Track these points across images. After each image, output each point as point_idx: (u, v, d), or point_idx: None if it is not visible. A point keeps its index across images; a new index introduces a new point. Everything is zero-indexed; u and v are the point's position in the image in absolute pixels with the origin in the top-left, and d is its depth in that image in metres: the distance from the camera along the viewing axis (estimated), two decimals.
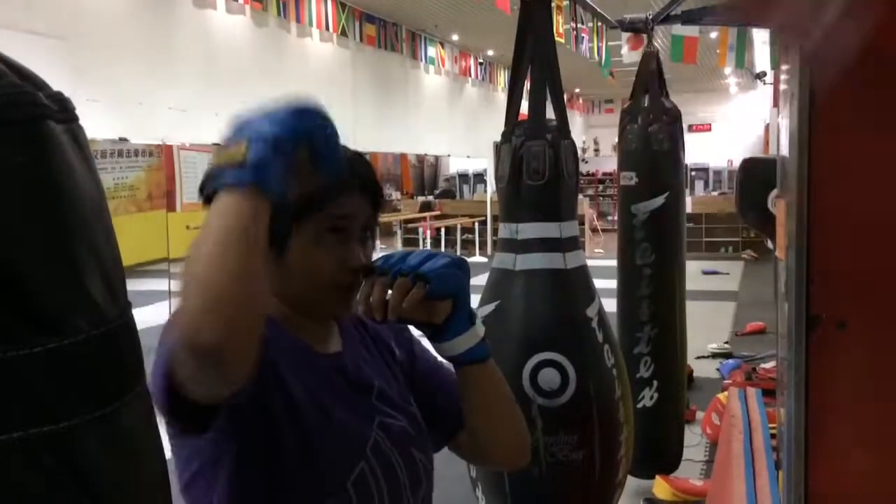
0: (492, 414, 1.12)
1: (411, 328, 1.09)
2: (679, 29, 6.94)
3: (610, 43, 9.60)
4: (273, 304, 1.00)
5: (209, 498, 0.96)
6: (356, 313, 1.08)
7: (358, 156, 1.05)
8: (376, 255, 1.06)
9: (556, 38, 2.14)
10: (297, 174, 0.86)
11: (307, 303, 1.02)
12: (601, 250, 13.05)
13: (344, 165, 0.91)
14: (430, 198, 17.67)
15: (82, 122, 0.54)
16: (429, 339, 1.06)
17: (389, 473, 1.02)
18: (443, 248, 12.50)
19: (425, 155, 18.46)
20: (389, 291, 0.98)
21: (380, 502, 1.00)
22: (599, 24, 8.89)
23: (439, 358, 1.15)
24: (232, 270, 0.75)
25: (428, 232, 12.52)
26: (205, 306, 0.71)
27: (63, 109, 0.48)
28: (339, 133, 0.89)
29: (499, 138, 2.18)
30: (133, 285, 0.52)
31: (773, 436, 2.33)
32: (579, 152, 2.39)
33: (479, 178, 18.23)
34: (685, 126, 3.78)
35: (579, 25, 9.00)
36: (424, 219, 13.64)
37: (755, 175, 3.91)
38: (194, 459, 0.97)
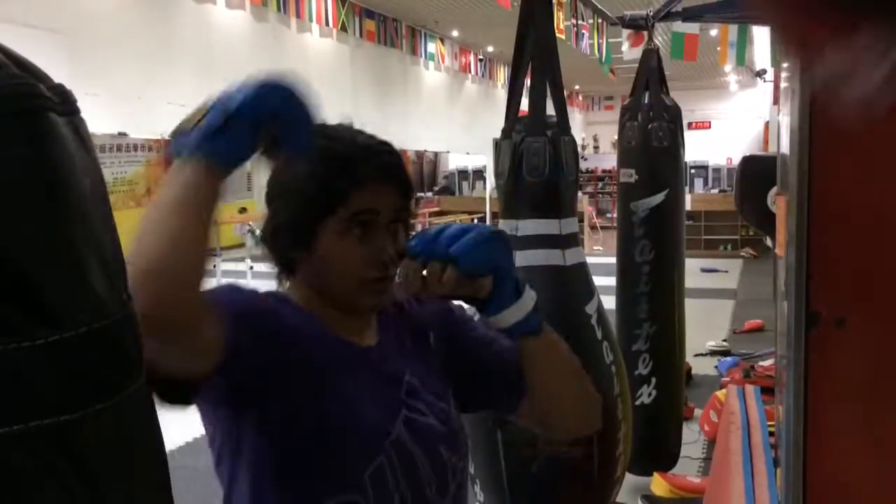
0: (551, 384, 1.11)
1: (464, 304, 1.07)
2: (679, 26, 6.94)
3: (610, 40, 9.60)
4: (308, 296, 1.01)
5: (234, 475, 0.97)
6: (398, 299, 1.08)
7: (386, 146, 1.04)
8: None
9: (557, 35, 2.14)
10: (265, 151, 0.85)
11: (337, 296, 1.01)
12: (600, 247, 13.05)
13: (311, 148, 0.89)
14: (426, 194, 17.64)
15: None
16: (479, 313, 1.05)
17: (410, 471, 1.00)
18: None
19: (424, 151, 18.45)
20: (425, 272, 0.97)
21: (399, 499, 0.99)
22: (600, 20, 8.89)
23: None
24: (163, 241, 0.75)
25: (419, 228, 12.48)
26: (136, 279, 0.69)
27: (64, 102, 0.48)
28: (314, 115, 0.87)
29: (498, 135, 2.18)
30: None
31: (771, 433, 2.33)
32: (579, 149, 2.39)
33: (479, 174, 18.22)
34: (685, 123, 3.78)
35: (580, 22, 8.99)
36: (419, 215, 13.64)
37: (755, 173, 3.91)
38: (217, 438, 0.98)
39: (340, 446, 0.96)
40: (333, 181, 0.97)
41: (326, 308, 1.01)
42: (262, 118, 0.83)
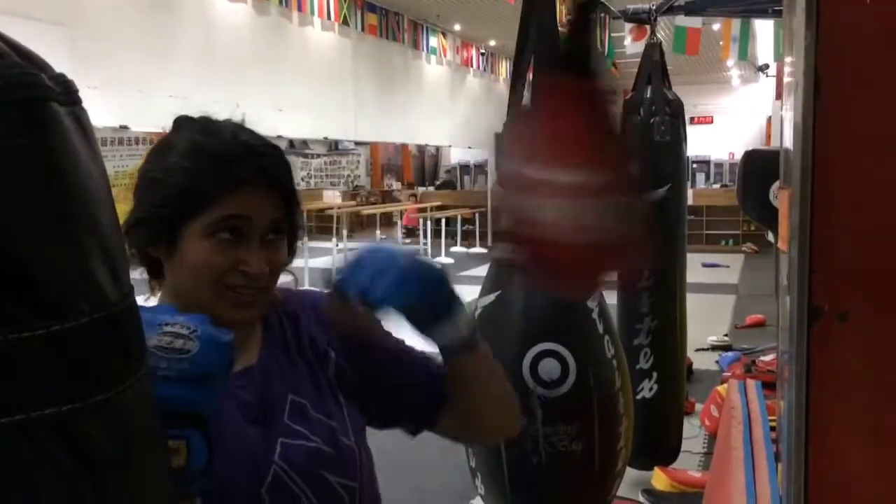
0: (482, 400, 1.07)
1: None
2: (682, 20, 6.92)
3: (613, 34, 9.57)
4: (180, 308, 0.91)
5: None
6: (290, 311, 1.04)
7: (273, 151, 0.97)
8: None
9: (560, 29, 2.13)
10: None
11: (202, 305, 0.92)
12: None
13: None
14: (428, 188, 17.63)
15: None
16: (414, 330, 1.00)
17: None
18: (443, 240, 12.50)
19: (426, 145, 18.43)
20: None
21: None
22: (602, 14, 8.86)
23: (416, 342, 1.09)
24: None
25: (400, 223, 12.40)
26: None
27: (66, 92, 0.48)
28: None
29: (500, 129, 2.17)
30: (133, 272, 0.52)
31: (772, 428, 2.33)
32: None
33: (481, 168, 18.21)
34: (687, 118, 3.77)
35: None
36: (406, 210, 13.56)
37: (757, 167, 3.91)
38: None
39: (219, 488, 0.86)
40: (203, 178, 0.91)
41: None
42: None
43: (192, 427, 0.75)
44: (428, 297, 0.93)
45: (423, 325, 0.95)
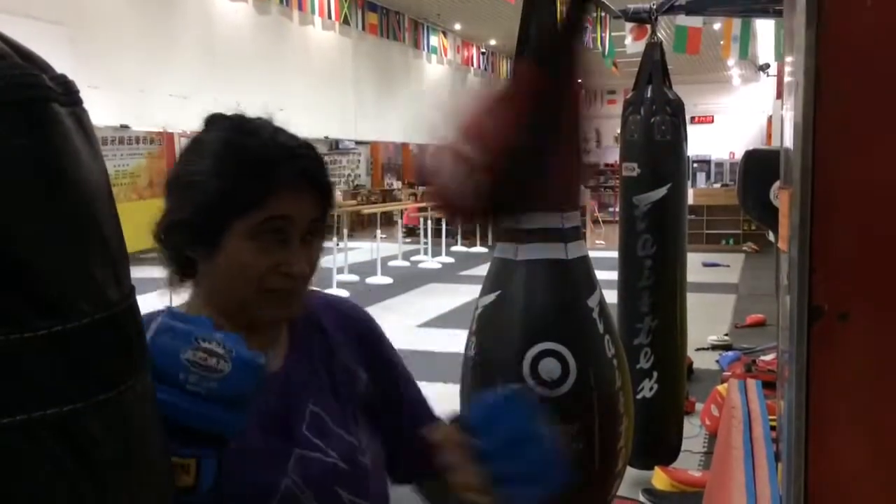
0: None
1: None
2: (683, 19, 6.92)
3: (613, 33, 9.57)
4: (208, 310, 0.93)
5: None
6: (315, 319, 1.02)
7: (311, 151, 0.96)
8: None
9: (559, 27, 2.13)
10: None
11: (238, 305, 0.93)
12: (602, 241, 13.05)
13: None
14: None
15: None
16: None
17: None
18: (443, 238, 12.51)
19: (427, 145, 18.37)
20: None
21: None
22: (603, 13, 8.85)
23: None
24: None
25: (400, 222, 12.39)
26: None
27: (67, 92, 0.48)
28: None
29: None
30: (133, 273, 0.52)
31: (772, 428, 2.33)
32: None
33: None
34: (687, 117, 3.78)
35: None
36: (407, 209, 13.54)
37: (758, 167, 3.90)
38: None
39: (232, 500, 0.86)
40: (247, 181, 0.90)
41: (232, 326, 0.90)
42: None
43: (209, 446, 0.74)
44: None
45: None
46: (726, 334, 6.74)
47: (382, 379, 1.08)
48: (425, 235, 12.44)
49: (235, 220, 0.90)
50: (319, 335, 1.04)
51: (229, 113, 0.98)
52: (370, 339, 1.10)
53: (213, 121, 0.98)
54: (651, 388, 3.54)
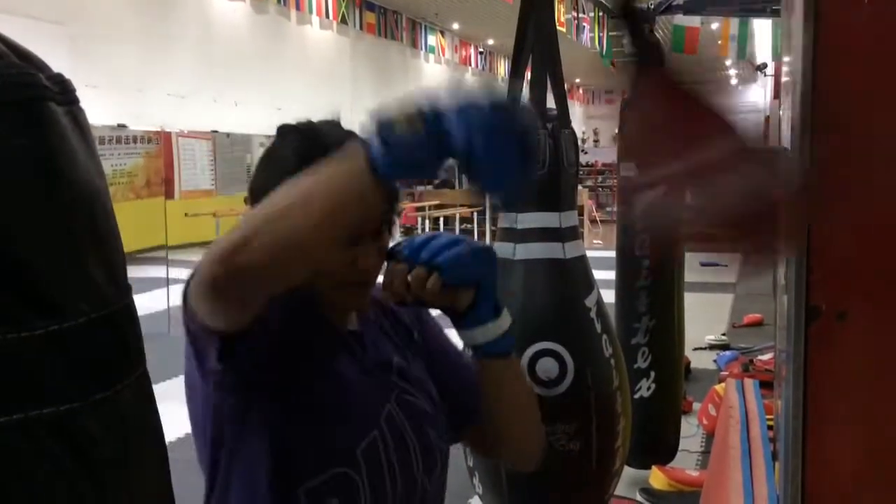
0: (508, 411, 1.10)
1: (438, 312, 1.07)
2: (681, 19, 6.93)
3: (611, 33, 9.58)
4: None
5: (230, 467, 0.97)
6: (379, 298, 1.08)
7: None
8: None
9: (558, 28, 2.13)
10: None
11: (320, 299, 1.01)
12: (600, 241, 13.06)
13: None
14: (426, 187, 17.61)
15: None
16: (453, 325, 1.04)
17: (401, 448, 1.01)
18: None
19: None
20: (409, 277, 0.96)
21: (389, 474, 0.99)
22: (601, 13, 8.87)
23: (461, 347, 1.14)
24: (308, 226, 0.76)
25: (398, 221, 12.42)
26: (263, 236, 0.73)
27: (64, 91, 0.48)
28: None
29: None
30: (131, 272, 0.52)
31: (769, 427, 2.33)
32: (579, 143, 2.38)
33: None
34: None
35: (581, 15, 8.97)
36: (404, 209, 13.57)
37: None
38: (209, 431, 0.97)
39: (337, 422, 0.97)
40: None
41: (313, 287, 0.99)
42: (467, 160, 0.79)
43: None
44: (484, 278, 0.99)
45: (479, 314, 1.01)
46: (724, 334, 6.74)
47: (428, 337, 1.15)
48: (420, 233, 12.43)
49: None
50: (378, 308, 1.11)
51: (296, 123, 1.04)
52: (419, 316, 1.17)
53: (285, 131, 1.04)
54: (649, 388, 3.55)
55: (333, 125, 1.05)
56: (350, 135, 1.02)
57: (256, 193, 1.01)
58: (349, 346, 1.03)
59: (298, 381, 0.96)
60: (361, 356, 1.04)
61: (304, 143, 1.00)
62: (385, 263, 0.99)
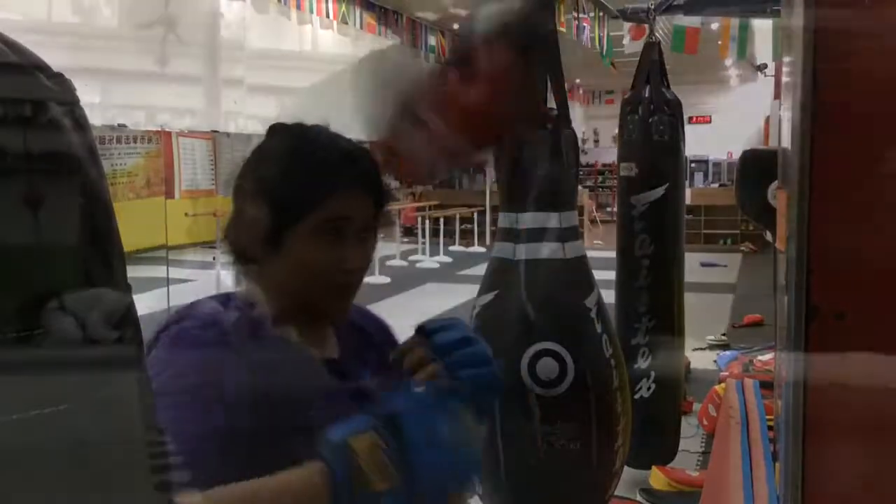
0: None
1: None
2: (681, 19, 6.92)
3: (611, 33, 9.58)
4: (272, 297, 0.99)
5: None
6: (354, 320, 1.08)
7: (366, 154, 1.03)
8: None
9: (558, 28, 2.13)
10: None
11: (303, 300, 1.00)
12: (600, 241, 13.05)
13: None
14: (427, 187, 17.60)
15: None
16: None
17: None
18: (441, 238, 12.52)
19: None
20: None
21: None
22: (601, 13, 8.88)
23: None
24: None
25: (398, 221, 12.38)
26: None
27: (64, 91, 0.48)
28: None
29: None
30: (130, 272, 0.52)
31: (770, 427, 2.33)
32: (579, 143, 2.38)
33: (479, 167, 18.17)
34: (685, 117, 3.78)
35: (581, 15, 8.97)
36: (403, 208, 13.54)
37: (755, 167, 3.91)
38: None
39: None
40: (311, 185, 0.97)
41: (295, 314, 0.99)
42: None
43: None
44: (484, 405, 0.96)
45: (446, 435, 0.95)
46: (724, 334, 6.75)
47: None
48: (423, 235, 12.44)
49: (299, 222, 0.97)
50: (357, 331, 1.11)
51: (288, 122, 1.05)
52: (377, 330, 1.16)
53: (275, 129, 1.05)
54: (649, 388, 3.55)
55: (323, 127, 1.04)
56: (335, 134, 1.03)
57: (240, 189, 1.02)
58: (328, 377, 1.00)
59: (275, 438, 0.91)
60: (336, 392, 0.99)
61: (293, 140, 1.01)
62: (414, 334, 0.98)
